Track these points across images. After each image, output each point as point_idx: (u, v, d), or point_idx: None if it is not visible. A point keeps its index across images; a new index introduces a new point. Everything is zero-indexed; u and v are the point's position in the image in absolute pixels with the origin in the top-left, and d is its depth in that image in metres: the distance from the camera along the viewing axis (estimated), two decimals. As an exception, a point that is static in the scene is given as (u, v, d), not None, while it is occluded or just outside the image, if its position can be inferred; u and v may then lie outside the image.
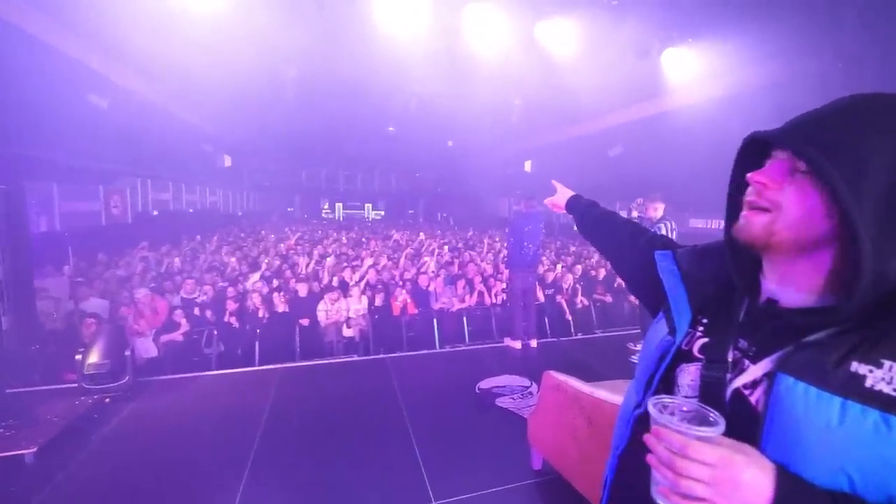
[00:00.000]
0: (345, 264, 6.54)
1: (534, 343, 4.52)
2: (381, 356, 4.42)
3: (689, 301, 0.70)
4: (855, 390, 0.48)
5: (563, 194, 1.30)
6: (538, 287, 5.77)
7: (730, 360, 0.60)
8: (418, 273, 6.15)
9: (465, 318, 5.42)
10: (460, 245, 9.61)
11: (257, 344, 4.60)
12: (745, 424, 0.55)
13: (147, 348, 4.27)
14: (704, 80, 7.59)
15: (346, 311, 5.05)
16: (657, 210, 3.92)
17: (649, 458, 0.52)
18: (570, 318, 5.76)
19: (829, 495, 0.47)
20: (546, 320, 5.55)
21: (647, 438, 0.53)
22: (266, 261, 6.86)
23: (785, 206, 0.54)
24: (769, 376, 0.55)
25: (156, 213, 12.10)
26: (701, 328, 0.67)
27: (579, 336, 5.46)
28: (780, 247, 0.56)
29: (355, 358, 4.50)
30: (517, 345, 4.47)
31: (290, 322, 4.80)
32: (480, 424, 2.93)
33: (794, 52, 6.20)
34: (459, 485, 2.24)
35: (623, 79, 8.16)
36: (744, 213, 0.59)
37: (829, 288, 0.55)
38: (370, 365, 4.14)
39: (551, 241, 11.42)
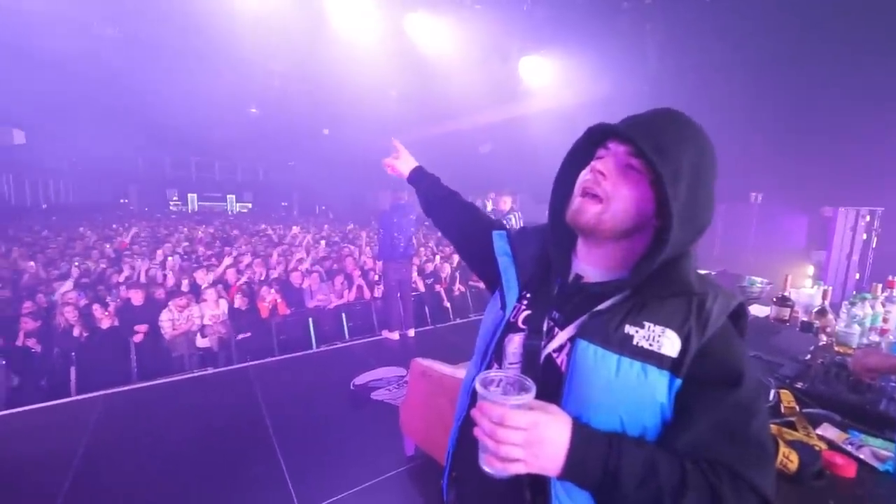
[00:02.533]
0: (196, 265, 5.65)
1: (411, 333, 4.60)
2: (245, 365, 3.96)
3: (518, 278, 0.78)
4: (626, 348, 0.60)
5: (405, 162, 1.23)
6: (419, 278, 5.88)
7: (545, 329, 0.69)
8: (290, 270, 5.68)
9: (343, 315, 5.21)
10: (338, 239, 9.20)
11: (73, 370, 3.65)
12: (553, 382, 0.64)
13: None
14: (555, 89, 8.66)
15: (199, 318, 4.36)
16: (506, 203, 4.37)
17: (476, 430, 0.57)
18: (447, 304, 6.03)
19: (606, 437, 0.57)
20: (426, 309, 5.70)
21: (474, 412, 0.57)
22: (77, 265, 5.48)
23: (616, 198, 0.62)
24: (571, 341, 0.65)
25: None
26: (525, 302, 0.75)
27: (457, 321, 5.75)
28: (603, 234, 0.64)
29: (211, 371, 3.93)
30: (395, 336, 4.49)
31: (120, 338, 3.94)
32: (355, 421, 2.85)
33: (617, 72, 7.49)
34: (328, 487, 2.14)
35: (489, 80, 8.78)
36: (579, 198, 0.66)
37: (624, 265, 0.67)
38: (230, 376, 3.67)
39: (431, 234, 11.79)
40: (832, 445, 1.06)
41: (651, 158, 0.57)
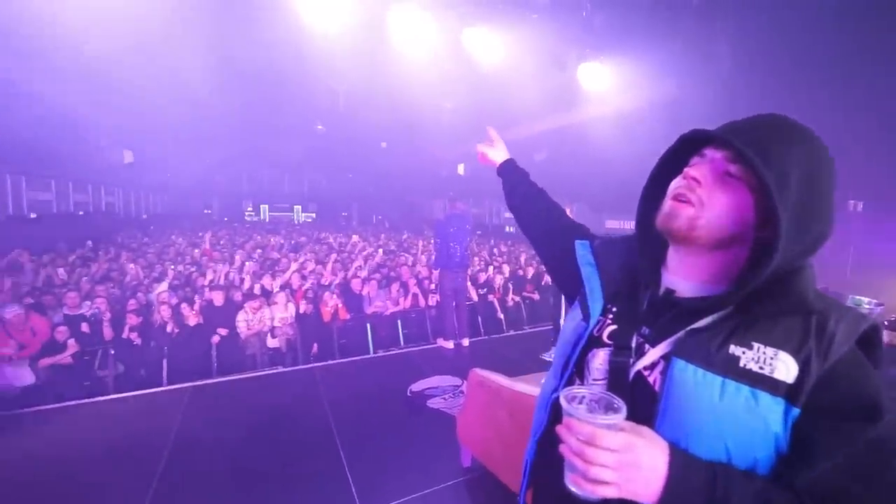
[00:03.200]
0: (265, 270, 6.13)
1: (466, 342, 4.61)
2: (310, 366, 4.21)
3: (603, 289, 0.75)
4: (732, 370, 0.55)
5: (499, 152, 1.22)
6: (472, 287, 5.91)
7: (633, 345, 0.66)
8: (350, 277, 5.97)
9: (399, 322, 5.37)
10: (394, 247, 9.51)
11: (165, 362, 4.12)
12: (645, 403, 0.60)
13: (20, 375, 3.62)
14: (615, 94, 8.35)
15: (270, 320, 4.72)
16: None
17: (562, 448, 0.55)
18: (501, 315, 5.98)
19: (710, 466, 0.53)
20: (479, 319, 5.69)
21: (559, 429, 0.55)
22: (172, 268, 6.18)
23: (711, 205, 0.58)
24: (665, 359, 0.61)
25: (33, 215, 10.27)
26: (611, 316, 0.72)
27: (511, 333, 5.68)
28: (697, 241, 0.60)
29: (280, 370, 4.22)
30: (449, 345, 4.53)
31: (204, 335, 4.37)
32: (412, 427, 2.91)
33: (683, 75, 7.07)
34: (388, 492, 2.20)
35: (545, 89, 8.69)
36: (670, 202, 0.62)
37: (720, 279, 0.62)
38: (297, 376, 3.92)
39: (485, 243, 11.78)
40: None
41: (753, 161, 0.53)
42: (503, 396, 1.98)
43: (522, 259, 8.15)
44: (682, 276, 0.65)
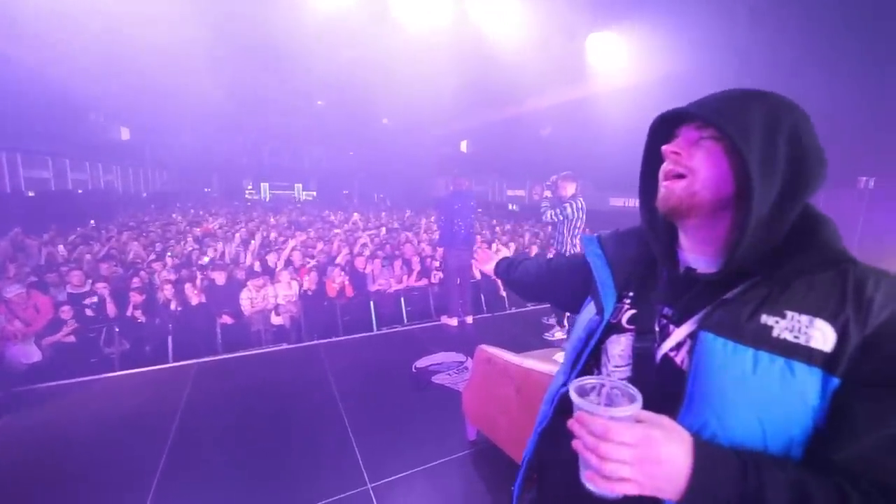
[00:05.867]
0: (268, 249, 6.10)
1: (470, 319, 4.61)
2: (315, 342, 4.23)
3: (614, 280, 0.73)
4: (764, 341, 0.52)
5: (493, 262, 1.32)
6: (474, 265, 5.88)
7: (657, 329, 0.64)
8: (354, 255, 5.94)
9: (402, 299, 5.36)
10: (397, 226, 9.46)
11: (170, 339, 4.14)
12: (673, 385, 0.57)
13: (27, 353, 3.64)
14: (625, 66, 8.07)
15: (273, 297, 4.72)
16: (567, 189, 3.96)
17: (575, 443, 0.51)
18: (504, 293, 5.97)
19: (739, 456, 0.49)
20: (482, 297, 5.69)
21: (571, 424, 0.52)
22: (174, 247, 6.15)
23: (697, 168, 0.59)
24: (692, 336, 0.58)
25: (31, 193, 10.20)
26: (628, 301, 0.70)
27: (513, 310, 5.68)
28: (700, 208, 0.60)
29: (285, 347, 4.25)
30: (454, 322, 4.53)
31: (207, 313, 4.38)
32: (417, 403, 2.93)
33: (699, 46, 6.78)
34: (395, 465, 2.22)
35: (553, 61, 8.39)
36: (664, 183, 0.63)
37: (729, 248, 0.59)
38: (302, 353, 3.94)
39: (487, 220, 11.70)
40: None
41: (715, 119, 0.56)
42: (511, 373, 1.96)
43: (526, 238, 8.09)
44: (699, 252, 0.64)
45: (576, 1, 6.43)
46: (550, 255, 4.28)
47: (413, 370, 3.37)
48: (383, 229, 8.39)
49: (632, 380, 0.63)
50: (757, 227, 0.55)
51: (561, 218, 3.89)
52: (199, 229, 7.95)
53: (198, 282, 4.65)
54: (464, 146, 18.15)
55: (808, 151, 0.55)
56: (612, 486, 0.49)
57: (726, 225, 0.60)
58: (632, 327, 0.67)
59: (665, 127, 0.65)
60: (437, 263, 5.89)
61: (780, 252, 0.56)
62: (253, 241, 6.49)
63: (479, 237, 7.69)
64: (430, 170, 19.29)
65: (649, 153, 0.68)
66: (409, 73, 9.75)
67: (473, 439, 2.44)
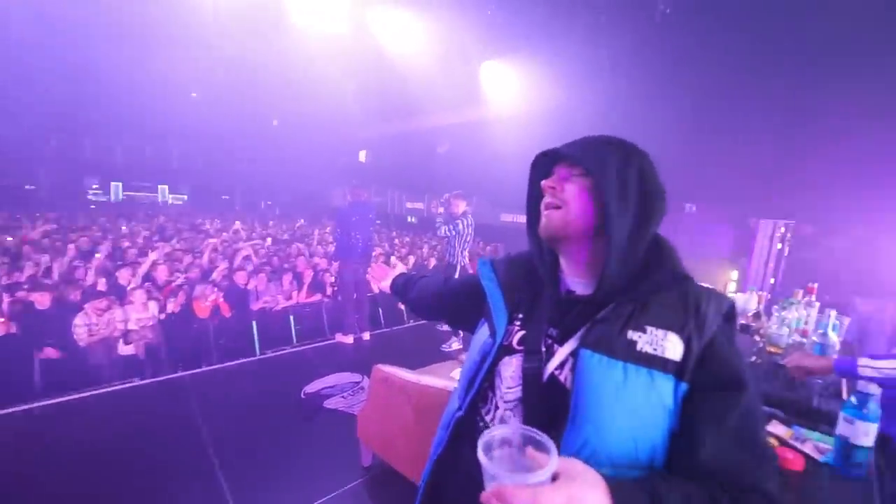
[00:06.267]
0: (120, 263, 5.07)
1: (367, 336, 4.45)
2: (179, 375, 3.59)
3: (505, 303, 0.77)
4: (631, 354, 0.59)
5: (389, 278, 1.31)
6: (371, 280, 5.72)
7: (543, 349, 0.68)
8: (235, 269, 5.27)
9: (292, 318, 4.92)
10: (287, 236, 8.74)
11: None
12: (558, 402, 0.62)
13: None
14: (516, 94, 8.83)
15: (122, 322, 3.90)
16: (459, 206, 4.26)
17: None
18: (402, 306, 5.92)
19: (644, 485, 0.52)
20: (380, 311, 5.56)
21: (488, 500, 0.46)
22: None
23: (570, 200, 0.67)
24: (573, 354, 0.64)
25: None
26: (518, 322, 0.74)
27: (411, 323, 5.66)
28: (574, 235, 0.68)
29: (137, 382, 3.51)
30: (349, 339, 4.32)
31: (20, 347, 3.39)
32: (306, 434, 2.67)
33: (574, 86, 7.77)
34: (278, 508, 1.98)
35: (451, 81, 8.78)
36: (544, 213, 0.70)
37: (599, 272, 0.67)
38: (160, 388, 3.30)
39: (387, 233, 11.58)
40: (782, 441, 1.13)
41: (582, 160, 0.66)
42: (408, 391, 1.91)
43: (425, 250, 8.22)
44: (577, 275, 0.71)
45: (470, 28, 6.86)
46: (448, 271, 4.44)
47: (302, 396, 3.08)
48: (269, 240, 7.66)
49: (522, 400, 0.66)
50: (618, 252, 0.63)
51: (454, 233, 4.16)
52: (10, 238, 6.20)
53: (4, 306, 3.60)
54: (363, 156, 17.80)
55: (653, 187, 0.66)
56: None
57: (596, 251, 0.68)
58: (521, 348, 0.70)
59: (545, 162, 0.74)
60: (331, 278, 5.58)
61: (638, 275, 0.64)
62: (97, 254, 5.31)
63: (378, 249, 7.55)
64: (327, 178, 18.44)
65: (533, 185, 0.76)
66: (303, 77, 9.24)
67: (368, 465, 2.31)
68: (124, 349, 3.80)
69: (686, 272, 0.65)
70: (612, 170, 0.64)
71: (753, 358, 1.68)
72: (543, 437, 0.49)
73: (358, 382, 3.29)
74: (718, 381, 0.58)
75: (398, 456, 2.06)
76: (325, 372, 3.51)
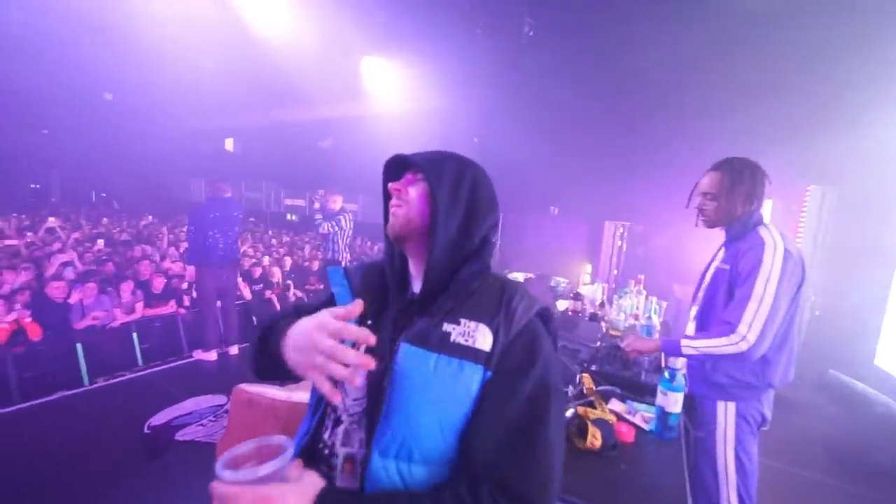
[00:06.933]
0: None
1: (234, 350, 3.94)
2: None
3: None
4: (444, 346, 0.64)
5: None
6: (244, 284, 5.08)
7: (389, 355, 0.68)
8: (48, 279, 4.12)
9: (135, 335, 4.06)
10: (127, 237, 7.21)
11: None
12: (379, 388, 0.65)
13: None
14: (397, 92, 8.78)
15: None
16: (336, 202, 4.29)
17: None
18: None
19: (359, 497, 0.59)
20: (254, 320, 4.98)
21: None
22: None
23: (412, 201, 0.73)
24: (392, 344, 0.67)
25: None
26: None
27: (291, 331, 5.21)
28: (414, 234, 0.73)
29: None
30: (212, 356, 3.76)
31: None
32: (151, 476, 2.22)
33: (451, 88, 8.09)
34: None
35: (330, 73, 8.30)
36: (391, 211, 0.76)
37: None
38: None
39: (261, 233, 10.48)
40: (620, 417, 1.32)
41: (422, 166, 0.72)
42: (279, 412, 1.71)
43: (306, 250, 7.67)
44: (419, 277, 0.74)
45: (348, 19, 6.57)
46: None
47: (146, 430, 2.56)
48: (101, 241, 6.24)
49: (368, 409, 0.66)
50: (441, 250, 0.68)
51: (336, 229, 4.15)
52: None
53: None
54: (230, 144, 15.76)
55: (481, 196, 0.73)
56: None
57: (429, 250, 0.71)
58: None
59: (396, 167, 0.79)
60: (185, 285, 4.77)
61: (458, 271, 0.70)
62: None
63: (250, 250, 6.76)
64: (187, 168, 15.83)
65: (386, 189, 0.80)
66: (143, 45, 7.69)
67: (234, 500, 2.02)
68: None
69: (489, 267, 0.73)
70: (447, 178, 0.71)
71: (598, 343, 1.96)
72: (278, 440, 0.52)
73: (222, 405, 2.89)
74: (510, 368, 0.63)
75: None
76: (180, 397, 2.99)
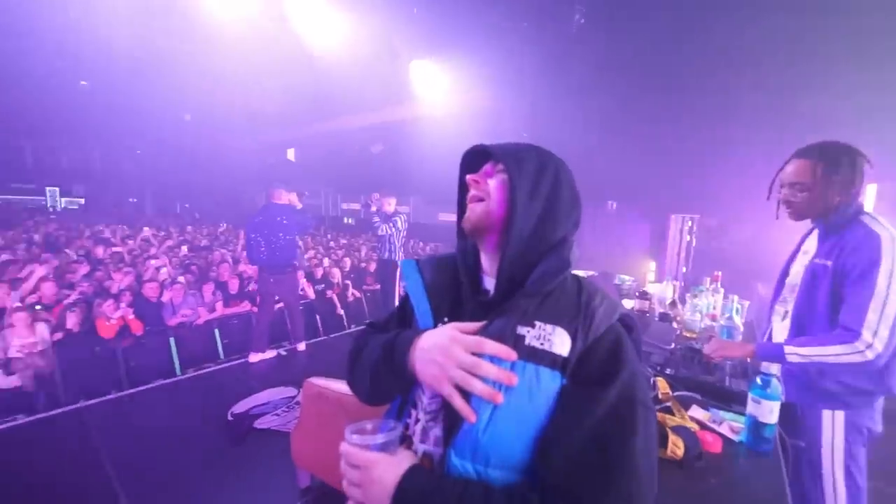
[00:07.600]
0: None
1: (302, 346, 4.18)
2: (79, 406, 3.10)
3: (430, 304, 0.74)
4: (519, 349, 0.59)
5: None
6: (308, 284, 5.40)
7: None
8: (145, 281, 4.68)
9: (217, 331, 4.48)
10: (206, 242, 7.97)
11: None
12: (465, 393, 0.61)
13: None
14: (446, 94, 8.88)
15: (1, 351, 3.27)
16: (390, 205, 4.45)
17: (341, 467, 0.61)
18: (341, 312, 5.69)
19: (439, 479, 0.58)
20: (318, 318, 5.27)
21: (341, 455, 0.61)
22: None
23: (492, 192, 0.69)
24: None
25: None
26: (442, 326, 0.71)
27: (353, 328, 5.45)
28: (492, 226, 0.69)
29: (22, 420, 2.96)
30: (256, 358, 3.95)
31: None
32: (234, 459, 2.44)
33: (500, 87, 7.99)
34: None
35: (380, 80, 8.58)
36: (469, 205, 0.72)
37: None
38: (55, 424, 2.82)
39: (320, 236, 11.09)
40: (702, 425, 1.22)
41: (502, 157, 0.68)
42: (345, 406, 1.80)
43: (363, 252, 7.98)
44: (493, 274, 0.70)
45: (396, 26, 6.74)
46: (388, 267, 4.48)
47: (229, 418, 2.81)
48: (185, 247, 6.94)
49: (444, 408, 0.63)
50: (516, 245, 0.65)
51: (393, 230, 4.33)
52: None
53: None
54: (291, 154, 16.86)
55: (563, 191, 0.69)
56: (351, 498, 0.60)
57: (503, 246, 0.68)
58: None
59: (474, 159, 0.75)
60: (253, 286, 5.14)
61: (533, 269, 0.65)
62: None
63: (311, 252, 7.17)
64: (254, 178, 17.19)
65: (462, 182, 0.76)
66: (218, 70, 8.46)
67: (306, 486, 2.15)
68: (6, 381, 3.18)
69: (570, 266, 0.67)
70: (528, 170, 0.68)
71: (672, 345, 1.82)
72: (394, 423, 0.64)
73: (293, 397, 3.09)
74: (590, 377, 0.57)
75: (338, 475, 1.93)
76: (257, 388, 3.24)
